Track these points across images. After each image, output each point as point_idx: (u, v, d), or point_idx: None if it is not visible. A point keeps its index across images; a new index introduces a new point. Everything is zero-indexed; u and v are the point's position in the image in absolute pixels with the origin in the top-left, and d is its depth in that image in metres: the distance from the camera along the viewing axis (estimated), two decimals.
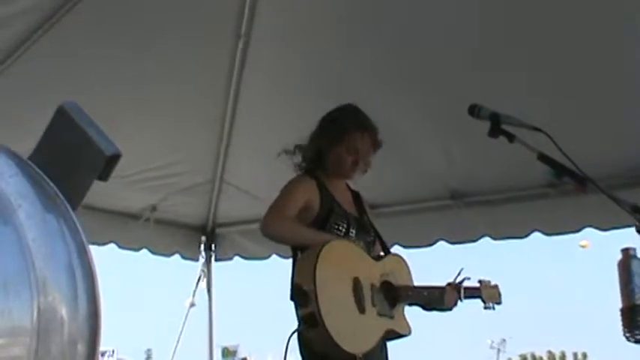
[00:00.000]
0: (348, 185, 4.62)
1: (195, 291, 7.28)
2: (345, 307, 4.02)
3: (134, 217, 6.92)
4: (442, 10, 5.33)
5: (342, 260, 4.12)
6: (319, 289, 3.87)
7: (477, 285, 4.67)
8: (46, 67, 5.41)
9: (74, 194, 1.08)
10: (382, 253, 4.52)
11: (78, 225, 1.05)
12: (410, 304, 4.45)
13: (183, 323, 7.27)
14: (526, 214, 6.24)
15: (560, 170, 3.92)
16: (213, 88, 6.31)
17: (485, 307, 4.71)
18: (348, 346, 3.93)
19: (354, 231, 4.31)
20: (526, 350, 43.84)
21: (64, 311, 0.99)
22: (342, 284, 4.05)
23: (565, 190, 5.62)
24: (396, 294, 4.30)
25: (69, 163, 1.12)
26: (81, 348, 1.00)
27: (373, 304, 4.15)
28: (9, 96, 5.35)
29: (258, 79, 6.19)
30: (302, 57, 5.90)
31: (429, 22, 5.40)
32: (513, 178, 6.11)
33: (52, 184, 1.06)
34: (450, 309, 4.52)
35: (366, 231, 4.45)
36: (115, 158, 1.12)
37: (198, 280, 7.33)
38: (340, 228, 4.26)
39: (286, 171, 6.67)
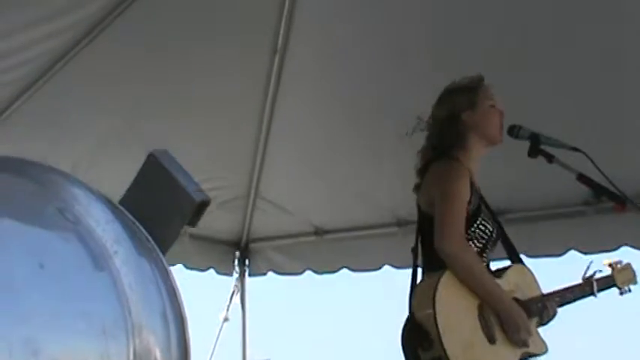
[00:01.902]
0: None
1: (229, 306, 7.29)
2: (473, 343, 3.66)
3: None
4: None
5: (463, 286, 3.68)
6: (443, 331, 3.51)
7: (608, 274, 4.28)
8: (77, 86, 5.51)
9: (164, 239, 1.11)
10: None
11: (168, 270, 1.08)
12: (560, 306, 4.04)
13: (217, 338, 7.28)
14: (563, 233, 6.22)
15: (599, 191, 3.95)
16: (249, 103, 6.35)
17: (621, 293, 4.35)
18: None
19: (495, 233, 3.94)
20: None
21: (158, 354, 1.02)
22: (467, 316, 3.67)
23: (602, 208, 5.61)
24: (526, 311, 3.86)
25: (159, 209, 1.15)
26: None
27: (504, 330, 3.74)
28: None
29: (295, 95, 6.23)
30: (339, 73, 5.94)
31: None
32: (551, 195, 6.10)
33: (143, 229, 1.09)
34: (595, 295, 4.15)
35: (502, 231, 4.07)
36: (204, 204, 1.15)
37: (232, 294, 7.34)
38: (487, 230, 3.89)
39: (320, 186, 6.77)
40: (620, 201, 3.92)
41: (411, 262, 5.99)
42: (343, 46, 5.80)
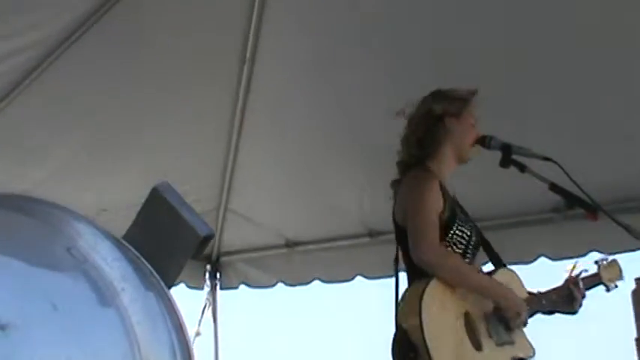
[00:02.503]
0: None
1: (200, 320, 7.27)
2: (460, 352, 3.68)
3: None
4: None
5: (448, 295, 3.71)
6: (429, 340, 3.53)
7: (594, 272, 4.32)
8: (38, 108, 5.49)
9: (168, 273, 1.12)
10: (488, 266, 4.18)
11: (174, 304, 1.09)
12: (531, 315, 4.02)
13: None
14: (532, 240, 6.28)
15: (571, 200, 3.98)
16: (218, 116, 6.35)
17: (608, 290, 4.37)
18: None
19: (474, 238, 3.96)
20: None
21: None
22: (453, 325, 3.70)
23: (571, 215, 5.66)
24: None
25: (163, 243, 1.16)
26: None
27: (490, 336, 3.79)
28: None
29: (264, 107, 6.23)
30: (308, 82, 5.95)
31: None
32: (519, 202, 6.15)
33: (147, 264, 1.10)
34: (579, 308, 4.16)
35: (480, 236, 4.10)
36: (208, 238, 1.15)
37: (204, 309, 7.32)
38: (464, 236, 3.91)
39: (291, 198, 6.77)
40: (592, 210, 3.95)
41: (383, 272, 6.12)
42: (313, 57, 5.82)
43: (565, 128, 5.60)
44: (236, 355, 7.70)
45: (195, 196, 6.84)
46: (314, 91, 6.00)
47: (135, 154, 6.13)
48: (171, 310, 1.08)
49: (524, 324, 3.88)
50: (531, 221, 6.27)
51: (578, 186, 3.93)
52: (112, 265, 1.06)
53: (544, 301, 4.08)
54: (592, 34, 5.21)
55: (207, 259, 7.48)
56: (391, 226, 6.75)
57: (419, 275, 3.75)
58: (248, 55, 5.85)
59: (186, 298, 7.49)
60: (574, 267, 4.37)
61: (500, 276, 4.01)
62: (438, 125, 3.99)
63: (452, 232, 3.85)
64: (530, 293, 4.05)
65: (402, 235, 3.92)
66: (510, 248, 6.35)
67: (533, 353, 3.95)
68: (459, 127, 4.00)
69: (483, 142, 4.14)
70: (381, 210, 6.69)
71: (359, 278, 6.73)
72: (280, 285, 7.14)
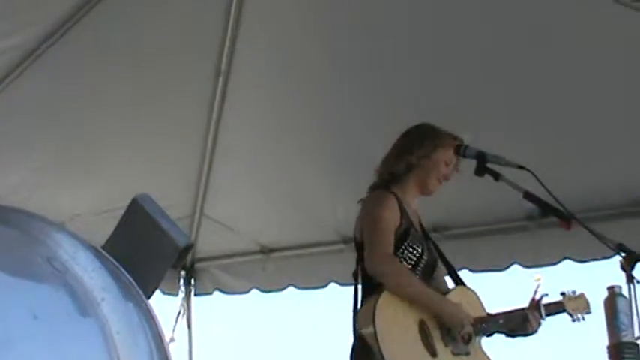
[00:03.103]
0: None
1: (175, 326, 7.25)
2: (415, 357, 3.85)
3: None
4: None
5: (403, 304, 3.88)
6: (384, 347, 3.68)
7: (559, 299, 4.41)
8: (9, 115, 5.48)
9: (148, 283, 1.13)
10: (448, 279, 4.33)
11: (154, 314, 1.09)
12: (489, 335, 4.18)
13: None
14: (506, 247, 6.31)
15: (545, 209, 4.01)
16: (194, 122, 6.35)
17: (573, 320, 4.42)
18: None
19: (425, 257, 4.10)
20: None
21: None
22: (408, 332, 3.85)
23: (544, 223, 5.70)
24: None
25: (142, 254, 1.16)
26: None
27: (445, 344, 3.93)
28: None
29: (239, 115, 6.24)
30: (282, 93, 5.97)
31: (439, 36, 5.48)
32: (493, 210, 6.19)
33: (127, 274, 1.11)
34: (535, 332, 4.25)
35: (435, 258, 4.25)
36: (187, 248, 1.16)
37: (178, 315, 7.30)
38: (415, 253, 4.05)
39: (265, 205, 6.78)
40: (565, 219, 3.97)
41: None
42: (288, 66, 5.84)
43: (539, 137, 5.65)
44: None
45: (170, 201, 6.82)
46: (288, 98, 6.02)
47: (109, 160, 6.12)
48: (150, 320, 1.09)
49: (469, 337, 3.99)
50: (506, 229, 6.31)
51: (551, 195, 3.95)
52: (92, 275, 1.06)
53: (501, 321, 4.19)
54: (565, 36, 5.27)
55: (182, 265, 7.47)
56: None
57: (375, 287, 3.92)
58: (223, 66, 5.86)
59: (161, 304, 7.48)
60: (539, 278, 4.44)
61: (458, 293, 4.20)
62: (408, 159, 4.23)
63: (403, 247, 4.03)
64: (489, 314, 4.19)
65: (360, 250, 4.10)
66: (484, 255, 6.43)
67: None
68: (426, 165, 4.23)
69: (458, 150, 4.18)
70: (354, 217, 6.77)
71: (332, 285, 6.74)
72: (254, 291, 7.13)
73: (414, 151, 4.22)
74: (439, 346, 3.91)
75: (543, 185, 3.93)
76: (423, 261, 4.08)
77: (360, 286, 4.07)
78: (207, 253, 7.39)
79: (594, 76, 5.32)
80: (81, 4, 5.13)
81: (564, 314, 4.39)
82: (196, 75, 5.97)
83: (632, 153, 5.61)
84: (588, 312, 4.46)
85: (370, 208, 4.13)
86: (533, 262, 6.24)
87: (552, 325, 4.32)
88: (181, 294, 7.39)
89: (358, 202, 4.24)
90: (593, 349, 4.25)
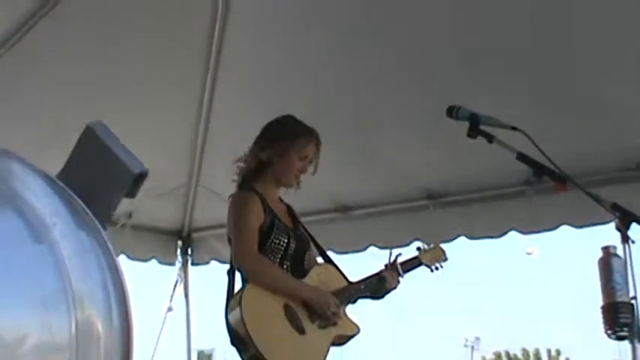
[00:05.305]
0: (279, 197, 4.65)
1: (172, 295, 7.27)
2: (283, 337, 4.11)
3: (110, 222, 6.89)
4: (426, 10, 5.38)
5: (267, 294, 4.15)
6: (252, 331, 3.95)
7: (415, 255, 4.80)
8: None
9: (103, 212, 1.10)
10: (321, 260, 4.62)
11: (108, 242, 1.07)
12: (354, 301, 4.50)
13: (161, 328, 7.25)
14: (502, 214, 6.29)
15: (539, 170, 3.96)
16: (188, 91, 6.32)
17: (432, 270, 4.85)
18: None
19: (293, 245, 4.36)
20: (500, 348, 43.74)
21: (99, 326, 1.01)
22: (274, 316, 4.12)
23: (541, 189, 5.67)
24: None
25: (97, 182, 1.14)
26: None
27: (312, 321, 4.22)
28: None
29: (232, 82, 6.21)
30: (276, 58, 5.93)
31: (412, 21, 5.44)
32: (489, 177, 6.16)
33: (80, 202, 1.08)
34: (395, 288, 4.60)
35: (304, 242, 4.50)
36: (142, 176, 1.14)
37: (175, 284, 7.32)
38: (282, 243, 4.31)
39: None
40: (561, 180, 3.93)
41: (352, 247, 6.29)
42: (282, 27, 5.81)
43: (535, 99, 5.61)
44: (207, 329, 7.68)
45: (167, 171, 6.83)
46: (285, 63, 5.98)
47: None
48: (104, 248, 1.06)
49: (334, 314, 4.27)
50: (502, 195, 6.28)
51: (545, 156, 3.90)
52: (43, 201, 1.04)
53: (362, 287, 4.50)
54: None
55: (179, 235, 7.48)
56: (360, 202, 6.82)
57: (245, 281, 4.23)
58: (217, 32, 5.84)
59: (158, 274, 7.49)
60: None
61: (316, 271, 4.46)
62: (263, 156, 4.48)
63: (270, 240, 4.28)
64: (350, 282, 4.50)
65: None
66: (481, 222, 6.41)
67: (358, 330, 4.43)
68: (280, 161, 4.46)
69: (451, 112, 4.12)
70: (351, 186, 6.75)
71: (329, 253, 6.72)
72: None
73: (272, 145, 4.44)
74: (306, 323, 4.19)
75: (537, 146, 3.89)
76: (291, 249, 4.34)
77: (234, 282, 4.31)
78: (204, 223, 7.41)
79: (591, 33, 5.25)
80: None
81: (423, 267, 4.81)
82: (192, 41, 5.93)
83: (626, 116, 5.57)
84: (445, 259, 4.92)
85: (233, 209, 4.36)
86: (531, 228, 6.24)
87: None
88: (178, 263, 7.42)
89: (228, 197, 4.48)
90: (588, 309, 4.25)
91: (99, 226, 1.09)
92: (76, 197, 1.09)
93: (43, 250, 1.00)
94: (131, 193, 1.17)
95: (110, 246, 1.06)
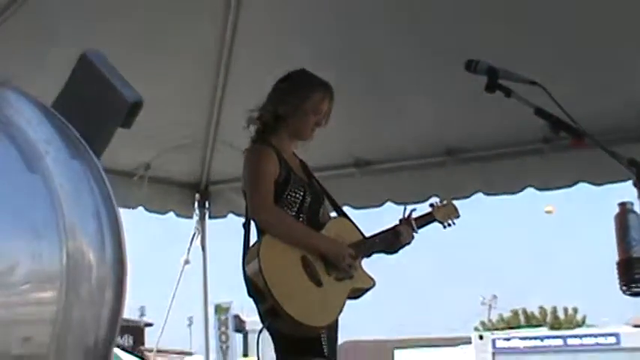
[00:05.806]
0: (293, 152, 4.64)
1: (189, 248, 7.28)
2: (301, 289, 4.12)
3: (128, 174, 6.90)
4: None
5: (284, 245, 4.16)
6: (270, 282, 3.96)
7: (429, 210, 4.84)
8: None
9: (98, 142, 1.09)
10: (335, 214, 4.65)
11: (102, 172, 1.06)
12: (369, 255, 4.53)
13: (178, 281, 7.28)
14: (519, 170, 6.26)
15: (557, 124, 3.92)
16: (206, 44, 6.30)
17: (445, 227, 4.89)
18: (315, 322, 4.11)
19: (309, 198, 4.37)
20: (518, 306, 43.77)
21: (91, 256, 1.00)
22: (291, 267, 4.13)
23: (559, 146, 5.63)
24: None
25: (92, 111, 1.13)
26: (108, 293, 1.01)
27: (328, 273, 4.23)
28: None
29: (252, 35, 6.18)
30: (298, 9, 5.90)
31: None
32: (507, 134, 6.13)
33: (74, 131, 1.07)
34: (409, 243, 4.63)
35: (318, 196, 4.52)
36: (137, 105, 1.12)
37: (193, 237, 7.33)
38: (297, 196, 4.32)
39: None
40: (578, 135, 3.89)
41: (369, 202, 6.28)
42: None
43: (556, 56, 5.55)
44: (225, 283, 7.69)
45: (184, 125, 6.83)
46: (305, 15, 5.94)
47: None
48: (98, 178, 1.05)
49: (350, 266, 4.29)
50: (519, 152, 6.24)
51: (564, 111, 3.85)
52: (36, 128, 1.03)
53: (377, 241, 4.54)
54: None
55: (196, 188, 7.48)
56: (378, 157, 6.80)
57: (261, 233, 4.23)
58: None
59: (176, 226, 7.50)
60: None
61: (333, 224, 4.48)
62: (278, 111, 4.45)
63: (286, 193, 4.29)
64: (365, 237, 4.52)
65: (246, 200, 4.41)
66: (498, 179, 6.38)
67: (374, 283, 4.44)
68: (296, 115, 4.43)
69: (469, 66, 4.08)
70: (368, 140, 6.73)
71: (345, 208, 6.72)
72: None
73: (287, 100, 4.43)
74: (323, 275, 4.20)
75: (556, 101, 3.85)
76: (306, 202, 4.35)
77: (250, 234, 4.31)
78: (222, 176, 7.40)
79: None
80: None
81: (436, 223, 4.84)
82: None
83: None
84: (458, 216, 4.95)
85: (249, 162, 4.38)
86: (547, 185, 6.21)
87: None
88: (196, 216, 7.42)
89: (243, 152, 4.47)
90: (603, 264, 4.25)
91: (93, 156, 1.08)
92: (70, 126, 1.08)
93: (35, 178, 0.99)
94: (127, 124, 1.15)
95: (105, 176, 1.05)
